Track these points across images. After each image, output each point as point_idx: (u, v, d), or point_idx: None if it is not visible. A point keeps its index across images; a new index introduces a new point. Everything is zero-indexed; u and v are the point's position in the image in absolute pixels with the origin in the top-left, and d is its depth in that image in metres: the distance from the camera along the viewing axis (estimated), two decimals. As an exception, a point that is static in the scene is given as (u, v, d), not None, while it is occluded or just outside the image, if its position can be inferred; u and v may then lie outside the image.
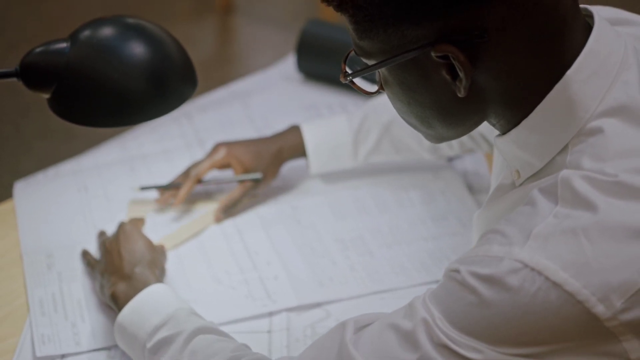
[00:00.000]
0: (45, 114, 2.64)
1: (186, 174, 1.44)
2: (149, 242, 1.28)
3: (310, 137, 1.45)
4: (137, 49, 1.04)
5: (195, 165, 1.44)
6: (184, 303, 1.17)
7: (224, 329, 1.23)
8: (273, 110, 1.71)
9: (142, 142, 1.61)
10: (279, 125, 1.65)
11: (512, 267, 0.84)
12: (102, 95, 1.03)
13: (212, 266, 1.35)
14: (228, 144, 1.45)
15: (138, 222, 1.36)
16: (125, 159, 1.56)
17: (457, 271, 0.87)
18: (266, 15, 3.51)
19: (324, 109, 1.70)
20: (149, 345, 1.12)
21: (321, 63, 1.73)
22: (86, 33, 1.04)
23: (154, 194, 1.46)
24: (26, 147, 2.71)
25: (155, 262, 1.26)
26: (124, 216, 1.43)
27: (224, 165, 1.44)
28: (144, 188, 1.44)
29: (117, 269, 1.23)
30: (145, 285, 1.19)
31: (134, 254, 1.24)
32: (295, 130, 1.47)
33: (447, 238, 1.40)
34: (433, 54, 0.87)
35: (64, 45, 1.04)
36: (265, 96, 1.75)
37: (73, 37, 1.04)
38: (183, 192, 1.41)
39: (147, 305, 1.16)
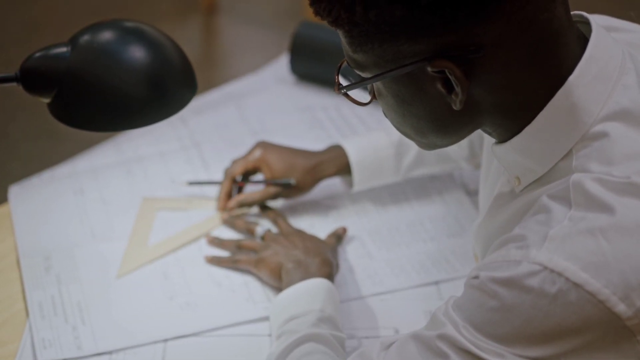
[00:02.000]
0: (32, 117, 2.64)
1: (226, 172, 1.44)
2: (322, 243, 1.32)
3: (354, 153, 1.42)
4: (137, 53, 1.04)
5: (233, 162, 1.44)
6: (329, 306, 1.18)
7: (225, 332, 1.24)
8: (268, 111, 1.71)
9: (138, 145, 1.61)
10: (274, 126, 1.66)
11: (531, 269, 0.84)
12: (103, 100, 1.03)
13: (212, 269, 1.35)
14: (266, 147, 1.43)
15: None
16: (121, 162, 1.56)
17: (477, 277, 0.88)
18: (250, 15, 3.51)
19: (319, 111, 1.70)
20: (278, 331, 1.15)
21: (315, 65, 1.73)
22: (86, 37, 1.04)
23: (165, 193, 1.47)
24: (14, 150, 2.69)
25: (327, 262, 1.27)
26: (121, 218, 1.43)
27: (255, 168, 1.43)
28: (191, 183, 1.47)
29: (293, 250, 1.28)
30: (305, 277, 1.22)
31: (313, 245, 1.29)
32: (336, 147, 1.44)
33: (445, 239, 1.40)
34: (429, 69, 0.87)
35: (64, 49, 1.03)
36: (260, 98, 1.75)
37: (73, 42, 1.03)
38: (222, 194, 1.43)
39: (297, 296, 1.19)
